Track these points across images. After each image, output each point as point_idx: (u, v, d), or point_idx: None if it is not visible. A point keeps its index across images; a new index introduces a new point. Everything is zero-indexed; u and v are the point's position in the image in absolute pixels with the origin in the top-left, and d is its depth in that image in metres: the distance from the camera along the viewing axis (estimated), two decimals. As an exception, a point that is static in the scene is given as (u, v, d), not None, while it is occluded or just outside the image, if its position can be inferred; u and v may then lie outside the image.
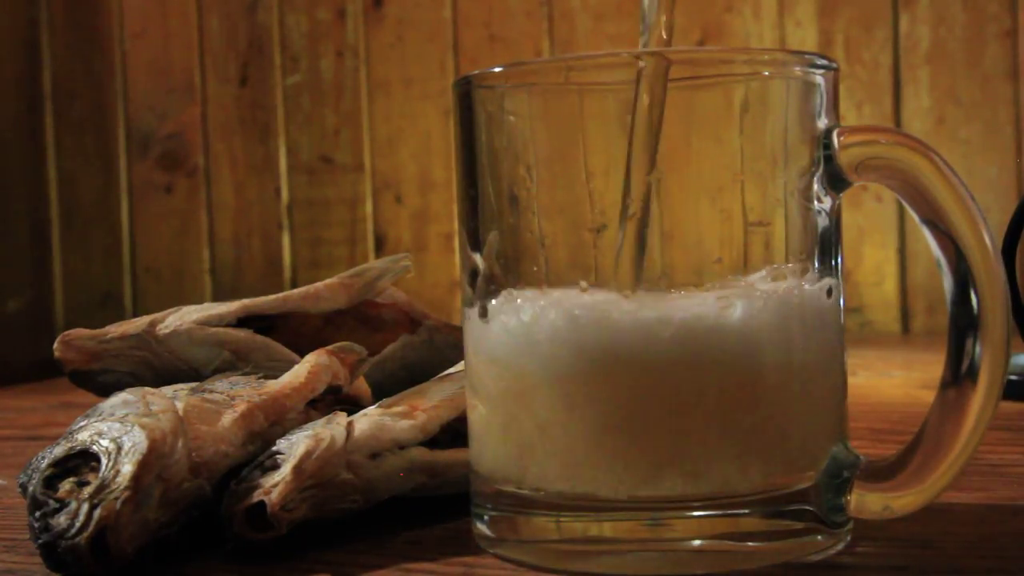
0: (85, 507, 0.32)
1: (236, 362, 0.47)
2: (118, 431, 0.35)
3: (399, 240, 1.22)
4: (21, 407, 0.78)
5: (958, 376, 0.31)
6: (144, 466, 0.33)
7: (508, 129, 0.34)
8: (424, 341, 0.53)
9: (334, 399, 0.44)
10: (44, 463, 0.35)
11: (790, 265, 0.33)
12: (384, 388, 0.47)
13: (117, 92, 1.28)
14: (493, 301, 0.34)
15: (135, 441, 0.34)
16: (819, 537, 0.33)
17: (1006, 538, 0.34)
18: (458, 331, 0.53)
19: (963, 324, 0.31)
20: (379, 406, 0.40)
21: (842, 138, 0.32)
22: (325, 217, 1.23)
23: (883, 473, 0.33)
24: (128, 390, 0.40)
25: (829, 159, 0.32)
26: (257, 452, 0.38)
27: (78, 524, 0.32)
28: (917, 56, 1.09)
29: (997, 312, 0.31)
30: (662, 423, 0.31)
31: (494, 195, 0.34)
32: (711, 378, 0.31)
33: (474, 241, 0.35)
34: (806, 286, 0.33)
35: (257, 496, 0.34)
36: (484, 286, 0.34)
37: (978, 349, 0.31)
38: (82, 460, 0.34)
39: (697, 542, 0.32)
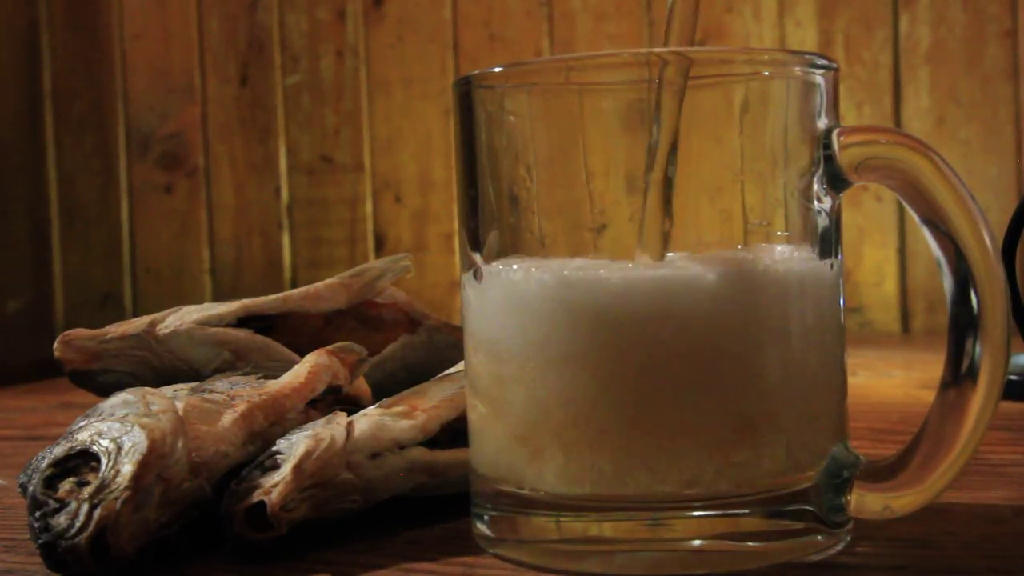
0: (85, 507, 0.32)
1: (236, 362, 0.47)
2: (118, 431, 0.35)
3: (399, 240, 1.22)
4: (21, 407, 0.78)
5: (958, 376, 0.31)
6: (144, 466, 0.33)
7: (508, 129, 0.34)
8: (424, 341, 0.53)
9: (334, 399, 0.44)
10: (44, 463, 0.35)
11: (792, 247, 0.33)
12: (384, 388, 0.47)
13: (117, 92, 1.28)
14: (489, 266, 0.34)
15: (135, 441, 0.34)
16: (819, 537, 0.33)
17: (1006, 538, 0.34)
18: (458, 331, 0.53)
19: (963, 324, 0.31)
20: (379, 406, 0.40)
21: (842, 138, 0.32)
22: (325, 217, 1.23)
23: (883, 473, 0.33)
24: (128, 390, 0.40)
25: (829, 159, 0.32)
26: (257, 452, 0.38)
27: (78, 524, 0.32)
28: (917, 56, 1.09)
29: (997, 312, 0.31)
30: (653, 387, 0.31)
31: (494, 195, 0.34)
32: (708, 340, 0.31)
33: (474, 241, 0.35)
34: (808, 258, 0.33)
35: (257, 496, 0.34)
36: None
37: (978, 349, 0.31)
38: (82, 460, 0.34)
39: (697, 542, 0.32)
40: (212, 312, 0.48)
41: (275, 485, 0.35)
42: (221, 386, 0.42)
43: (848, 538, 0.34)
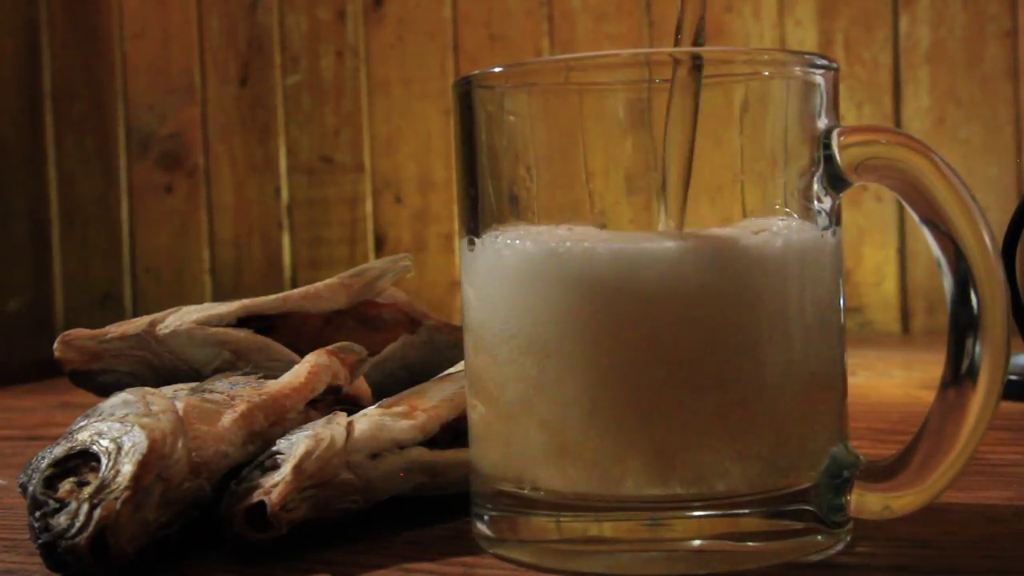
0: (85, 507, 0.32)
1: (236, 362, 0.47)
2: (118, 431, 0.35)
3: (399, 240, 1.22)
4: (21, 407, 0.78)
5: (958, 376, 0.31)
6: (144, 466, 0.33)
7: (508, 129, 0.34)
8: (424, 341, 0.53)
9: (334, 399, 0.44)
10: (44, 463, 0.35)
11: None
12: (384, 388, 0.47)
13: (117, 92, 1.28)
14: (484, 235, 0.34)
15: (135, 441, 0.34)
16: (819, 537, 0.33)
17: (1006, 538, 0.34)
18: (458, 331, 0.53)
19: (963, 324, 0.31)
20: (379, 406, 0.40)
21: (842, 138, 0.32)
22: (325, 217, 1.23)
23: (883, 473, 0.33)
24: (128, 390, 0.40)
25: (829, 159, 0.32)
26: (257, 452, 0.38)
27: (78, 524, 0.32)
28: (917, 56, 1.09)
29: (997, 312, 0.31)
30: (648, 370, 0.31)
31: (494, 195, 0.34)
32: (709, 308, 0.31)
33: (474, 241, 0.35)
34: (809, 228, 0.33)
35: (257, 496, 0.34)
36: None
37: (978, 349, 0.31)
38: (82, 460, 0.34)
39: (697, 542, 0.32)
40: (212, 312, 0.48)
41: (275, 485, 0.35)
42: (221, 386, 0.42)
43: (848, 538, 0.34)
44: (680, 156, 0.32)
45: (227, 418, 0.38)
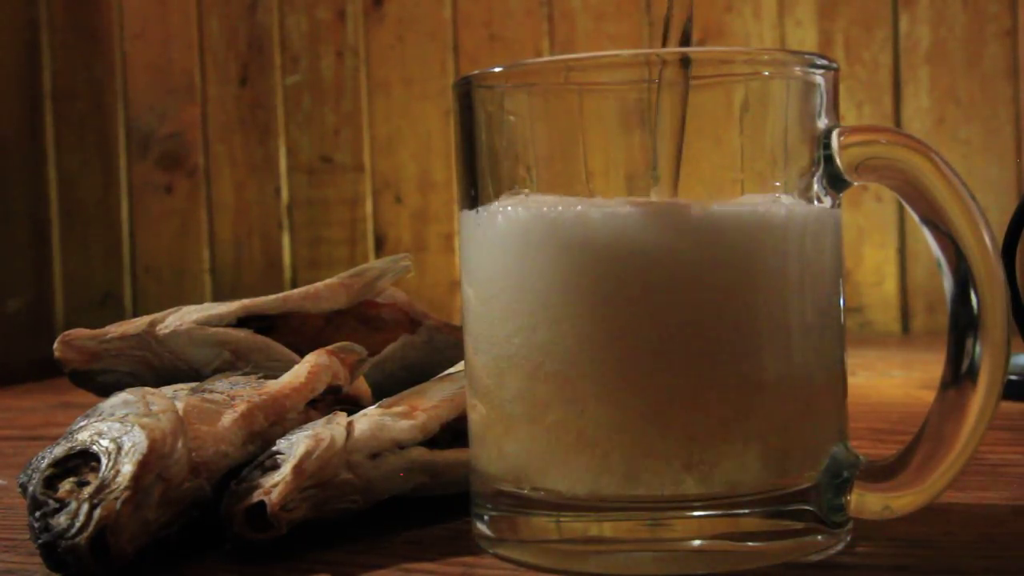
0: (85, 507, 0.32)
1: (236, 362, 0.47)
2: (118, 431, 0.35)
3: (399, 240, 1.22)
4: (21, 407, 0.78)
5: (958, 376, 0.31)
6: (144, 466, 0.33)
7: (508, 129, 0.34)
8: (424, 341, 0.53)
9: (334, 399, 0.44)
10: (44, 463, 0.35)
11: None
12: (384, 388, 0.47)
13: (117, 92, 1.28)
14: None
15: (135, 441, 0.34)
16: (819, 537, 0.33)
17: (1006, 538, 0.34)
18: (458, 331, 0.53)
19: (963, 324, 0.31)
20: (379, 406, 0.40)
21: (842, 138, 0.32)
22: (325, 217, 1.23)
23: (883, 473, 0.33)
24: (128, 390, 0.40)
25: (829, 159, 0.32)
26: (257, 452, 0.38)
27: (78, 524, 0.32)
28: (917, 56, 1.09)
29: (997, 312, 0.31)
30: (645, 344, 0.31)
31: (494, 195, 0.34)
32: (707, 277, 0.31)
33: (474, 241, 0.35)
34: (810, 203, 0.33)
35: (257, 496, 0.34)
36: None
37: (978, 349, 0.31)
38: (82, 460, 0.34)
39: (697, 542, 0.32)
40: (212, 312, 0.48)
41: (275, 485, 0.35)
42: (221, 386, 0.42)
43: (848, 538, 0.34)
44: (672, 132, 0.32)
45: (227, 418, 0.38)
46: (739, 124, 0.33)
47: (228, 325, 0.48)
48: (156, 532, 0.34)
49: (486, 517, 0.35)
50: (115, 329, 0.47)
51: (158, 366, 0.47)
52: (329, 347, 0.44)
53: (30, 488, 0.34)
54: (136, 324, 0.47)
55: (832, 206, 0.34)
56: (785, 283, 0.32)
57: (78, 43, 1.28)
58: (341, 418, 0.38)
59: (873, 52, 1.09)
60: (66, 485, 0.34)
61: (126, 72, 1.28)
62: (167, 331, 0.47)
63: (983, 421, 0.31)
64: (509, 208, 0.33)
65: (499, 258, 0.33)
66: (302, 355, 0.45)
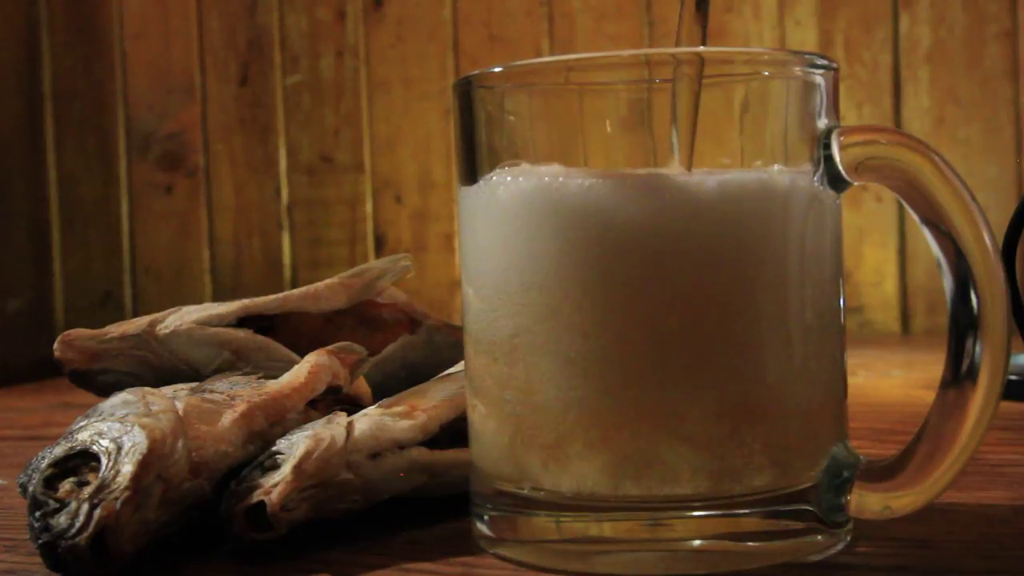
0: (85, 507, 0.32)
1: (236, 362, 0.47)
2: (118, 431, 0.35)
3: (399, 240, 1.22)
4: (21, 407, 0.78)
5: (958, 376, 0.31)
6: (144, 466, 0.33)
7: (508, 129, 0.34)
8: (424, 341, 0.53)
9: (334, 399, 0.44)
10: (44, 463, 0.35)
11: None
12: (384, 388, 0.47)
13: (117, 92, 1.28)
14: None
15: (135, 441, 0.34)
16: (819, 537, 0.33)
17: (1006, 538, 0.34)
18: (458, 331, 0.53)
19: (963, 324, 0.31)
20: (379, 406, 0.40)
21: (842, 138, 0.32)
22: (325, 217, 1.23)
23: (883, 473, 0.33)
24: (128, 390, 0.40)
25: (829, 159, 0.32)
26: (257, 452, 0.38)
27: (78, 524, 0.32)
28: (917, 56, 1.09)
29: (997, 312, 0.31)
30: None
31: (494, 195, 0.34)
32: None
33: (474, 241, 0.35)
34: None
35: (257, 496, 0.34)
36: None
37: (978, 349, 0.31)
38: (82, 460, 0.34)
39: (697, 542, 0.32)
40: (212, 312, 0.48)
41: (275, 485, 0.35)
42: (221, 386, 0.42)
43: (848, 538, 0.34)
44: (686, 122, 0.32)
45: (227, 418, 0.38)
46: (739, 124, 0.33)
47: (228, 325, 0.48)
48: (156, 532, 0.34)
49: (486, 517, 0.35)
50: (115, 329, 0.47)
51: (158, 366, 0.47)
52: (329, 347, 0.44)
53: (30, 488, 0.34)
54: (136, 324, 0.47)
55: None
56: (786, 271, 0.32)
57: (78, 43, 1.28)
58: (341, 418, 0.38)
59: (873, 52, 1.09)
60: (66, 485, 0.34)
61: (126, 72, 1.28)
62: (167, 331, 0.47)
63: (983, 421, 0.31)
64: (508, 178, 0.33)
65: (496, 228, 0.33)
66: (302, 355, 0.45)
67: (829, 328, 0.33)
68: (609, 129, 0.34)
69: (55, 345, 0.47)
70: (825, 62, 0.33)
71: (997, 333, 0.31)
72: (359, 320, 0.53)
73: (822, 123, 0.33)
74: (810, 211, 0.32)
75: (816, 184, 0.33)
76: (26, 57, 1.25)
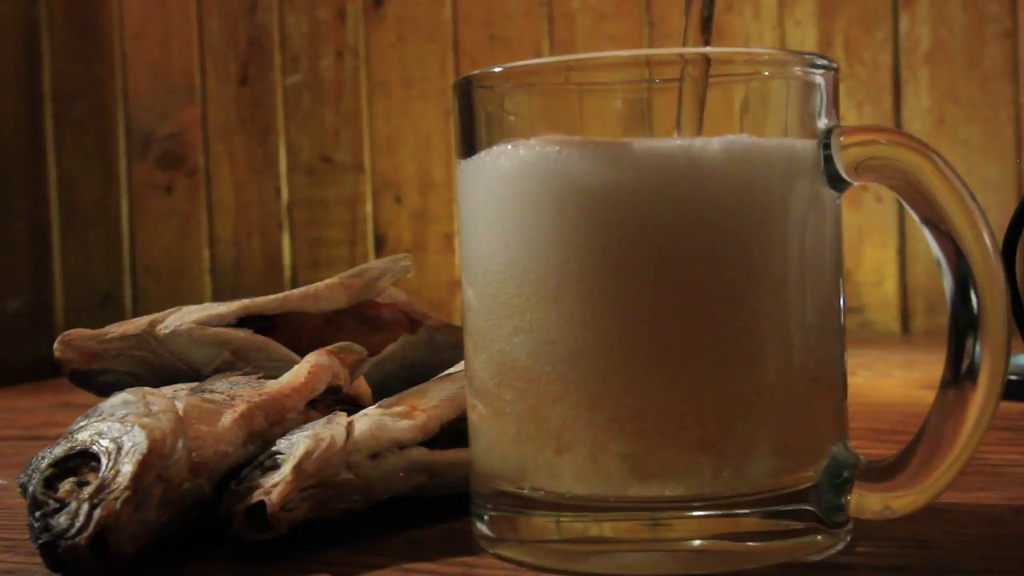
0: (85, 507, 0.32)
1: (236, 362, 0.47)
2: (118, 431, 0.35)
3: (399, 240, 1.22)
4: (21, 407, 0.78)
5: (958, 376, 0.31)
6: (144, 466, 0.33)
7: (508, 129, 0.34)
8: (424, 341, 0.53)
9: (334, 399, 0.44)
10: (44, 463, 0.35)
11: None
12: (384, 388, 0.47)
13: (117, 92, 1.28)
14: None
15: (135, 441, 0.34)
16: (819, 537, 0.33)
17: (1006, 538, 0.34)
18: (458, 331, 0.53)
19: (963, 324, 0.31)
20: (379, 406, 0.40)
21: (842, 138, 0.32)
22: (325, 217, 1.23)
23: (883, 473, 0.33)
24: (128, 390, 0.40)
25: (829, 159, 0.32)
26: (257, 452, 0.38)
27: (78, 524, 0.32)
28: (917, 56, 1.09)
29: (997, 312, 0.31)
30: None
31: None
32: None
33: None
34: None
35: (257, 496, 0.34)
36: None
37: (978, 349, 0.31)
38: (82, 460, 0.34)
39: (697, 542, 0.32)
40: (212, 312, 0.48)
41: (275, 485, 0.35)
42: (221, 386, 0.42)
43: (848, 538, 0.34)
44: (693, 109, 0.32)
45: (227, 418, 0.38)
46: (739, 124, 0.33)
47: (228, 325, 0.48)
48: (156, 532, 0.34)
49: (486, 517, 0.35)
50: (115, 329, 0.47)
51: (158, 366, 0.47)
52: (329, 347, 0.44)
53: (30, 488, 0.34)
54: (136, 324, 0.47)
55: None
56: (785, 271, 0.32)
57: (78, 43, 1.28)
58: (341, 418, 0.38)
59: (873, 52, 1.09)
60: (66, 485, 0.34)
61: (126, 72, 1.28)
62: (167, 331, 0.47)
63: (983, 421, 0.31)
64: (509, 147, 0.33)
65: (493, 201, 0.33)
66: (302, 355, 0.45)
67: (829, 328, 0.33)
68: (609, 129, 0.34)
69: (55, 345, 0.47)
70: (825, 62, 0.33)
71: (997, 333, 0.31)
72: (359, 320, 0.53)
73: (822, 123, 0.33)
74: (810, 211, 0.32)
75: (816, 184, 0.33)
76: (26, 57, 1.25)
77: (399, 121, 1.21)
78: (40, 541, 0.32)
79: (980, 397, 0.31)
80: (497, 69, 0.34)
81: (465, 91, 0.34)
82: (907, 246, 1.09)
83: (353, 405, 0.44)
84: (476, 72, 0.34)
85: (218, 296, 1.25)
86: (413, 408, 0.40)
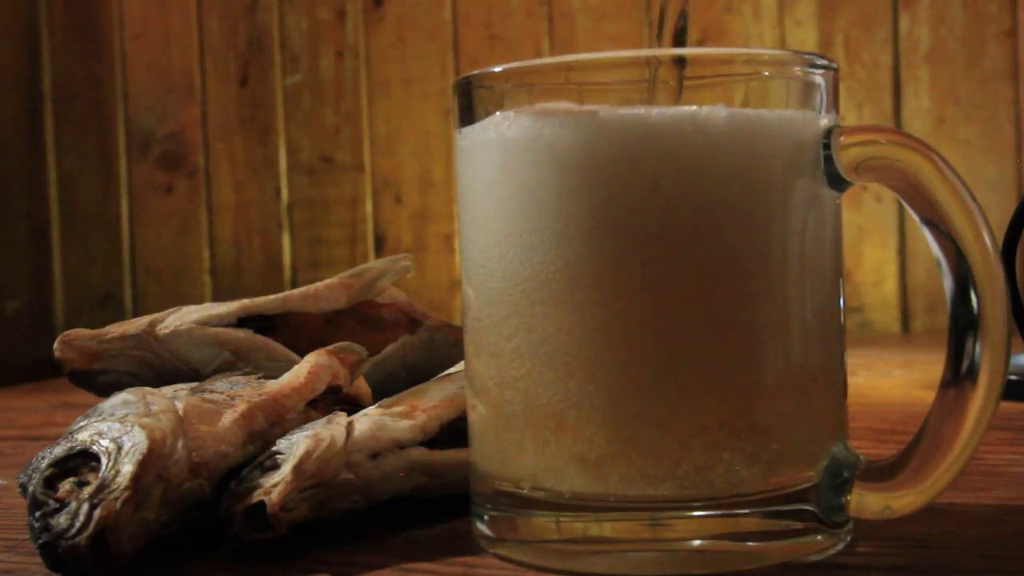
0: (85, 507, 0.32)
1: (236, 362, 0.47)
2: (118, 431, 0.35)
3: (399, 240, 1.22)
4: (21, 407, 0.78)
5: (958, 376, 0.31)
6: (144, 466, 0.33)
7: (508, 129, 0.34)
8: (424, 341, 0.53)
9: (334, 399, 0.44)
10: (44, 463, 0.35)
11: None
12: (384, 388, 0.47)
13: (117, 92, 1.28)
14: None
15: (135, 441, 0.34)
16: (819, 537, 0.33)
17: (1006, 538, 0.34)
18: (458, 331, 0.53)
19: (963, 324, 0.31)
20: (379, 406, 0.40)
21: (842, 138, 0.32)
22: (325, 217, 1.23)
23: (883, 473, 0.33)
24: (128, 390, 0.40)
25: (829, 159, 0.32)
26: (257, 452, 0.38)
27: (78, 524, 0.32)
28: (917, 56, 1.09)
29: (997, 312, 0.31)
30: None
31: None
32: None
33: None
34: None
35: (257, 496, 0.34)
36: None
37: (978, 349, 0.31)
38: (82, 460, 0.34)
39: (697, 542, 0.32)
40: (212, 312, 0.48)
41: (275, 485, 0.35)
42: (221, 386, 0.42)
43: (848, 538, 0.34)
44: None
45: (227, 418, 0.38)
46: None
47: (228, 325, 0.48)
48: (156, 532, 0.34)
49: (486, 517, 0.35)
50: (115, 329, 0.47)
51: (158, 366, 0.47)
52: (329, 347, 0.44)
53: (30, 488, 0.34)
54: (136, 324, 0.47)
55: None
56: (785, 271, 0.32)
57: (78, 43, 1.28)
58: (341, 418, 0.38)
59: (873, 52, 1.09)
60: (66, 485, 0.34)
61: (126, 72, 1.28)
62: (167, 331, 0.47)
63: (983, 421, 0.31)
64: (512, 113, 0.33)
65: (489, 171, 0.33)
66: (302, 355, 0.45)
67: (829, 328, 0.33)
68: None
69: (55, 345, 0.47)
70: (825, 62, 0.33)
71: (997, 333, 0.31)
72: (359, 320, 0.53)
73: (822, 123, 0.33)
74: (810, 211, 0.32)
75: (816, 184, 0.33)
76: (26, 57, 1.25)
77: (399, 121, 1.21)
78: (40, 541, 0.32)
79: (980, 397, 0.31)
80: (497, 69, 0.34)
81: (465, 91, 0.34)
82: (907, 246, 1.09)
83: (353, 405, 0.44)
84: (476, 72, 0.34)
85: (218, 296, 1.25)
86: (413, 408, 0.40)
